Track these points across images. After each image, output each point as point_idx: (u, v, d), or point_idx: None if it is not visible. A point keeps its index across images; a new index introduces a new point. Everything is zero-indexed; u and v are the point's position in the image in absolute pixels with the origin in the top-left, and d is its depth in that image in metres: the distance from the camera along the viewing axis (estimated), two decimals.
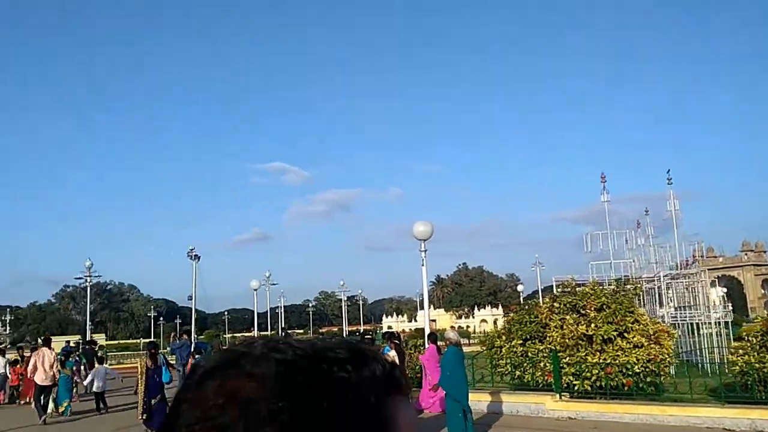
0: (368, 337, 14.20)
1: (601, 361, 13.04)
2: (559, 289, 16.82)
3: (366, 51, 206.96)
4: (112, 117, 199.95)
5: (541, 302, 16.91)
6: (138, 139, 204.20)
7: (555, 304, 14.70)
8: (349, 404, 0.59)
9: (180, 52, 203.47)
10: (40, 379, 15.52)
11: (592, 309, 13.79)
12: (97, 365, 19.26)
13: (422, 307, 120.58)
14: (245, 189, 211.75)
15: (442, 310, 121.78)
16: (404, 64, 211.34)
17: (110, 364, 36.83)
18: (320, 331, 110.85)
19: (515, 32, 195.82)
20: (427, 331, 16.71)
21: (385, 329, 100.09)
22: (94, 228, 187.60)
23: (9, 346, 27.22)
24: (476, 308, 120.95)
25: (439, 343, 13.65)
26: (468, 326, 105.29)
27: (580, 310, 14.10)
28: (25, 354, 21.76)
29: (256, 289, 35.19)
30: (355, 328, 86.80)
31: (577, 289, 15.19)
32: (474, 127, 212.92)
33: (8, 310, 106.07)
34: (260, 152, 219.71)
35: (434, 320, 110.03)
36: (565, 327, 13.86)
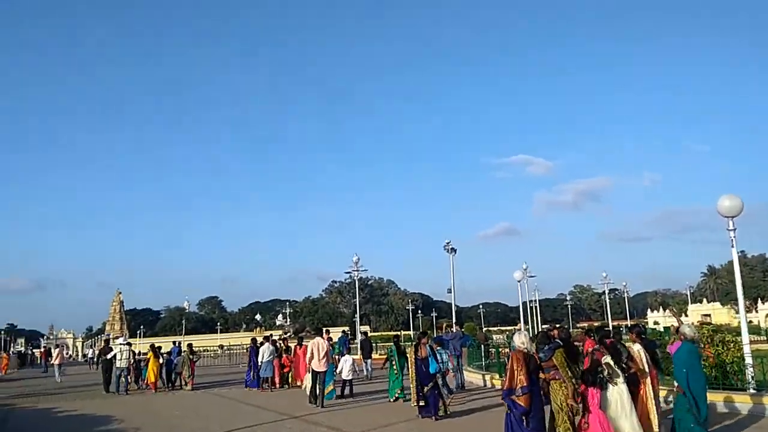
0: (607, 329, 12.22)
1: None
2: None
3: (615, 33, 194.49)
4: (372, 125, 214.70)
5: None
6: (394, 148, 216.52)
7: None
8: None
9: (427, 54, 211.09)
10: (315, 365, 16.49)
11: None
12: (346, 355, 20.16)
13: (696, 301, 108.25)
14: (488, 184, 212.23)
15: (718, 303, 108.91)
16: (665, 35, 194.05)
17: (379, 354, 38.46)
18: (578, 325, 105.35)
19: None
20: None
21: (651, 324, 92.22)
22: (356, 227, 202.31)
23: (292, 336, 29.80)
24: (759, 301, 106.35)
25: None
26: (750, 321, 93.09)
27: None
28: (289, 344, 23.83)
29: (519, 281, 34.02)
30: (617, 323, 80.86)
31: None
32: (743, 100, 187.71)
33: (287, 303, 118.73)
34: (501, 146, 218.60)
35: (708, 315, 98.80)
36: None
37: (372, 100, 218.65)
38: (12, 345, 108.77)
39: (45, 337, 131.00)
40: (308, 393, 17.64)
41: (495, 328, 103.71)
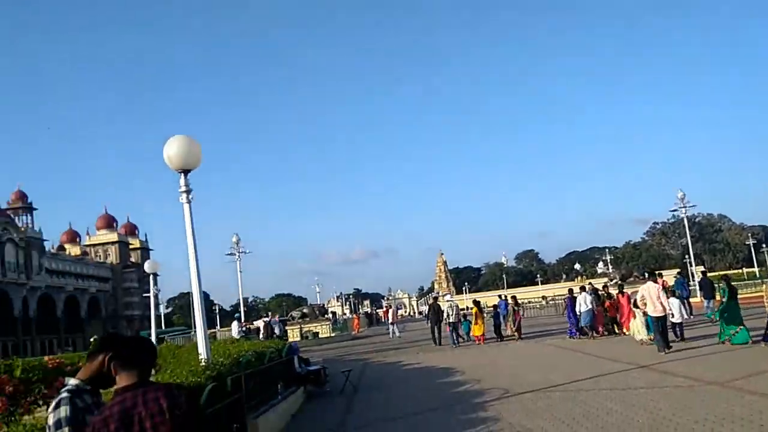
0: None
1: None
2: None
3: None
4: None
5: None
6: None
7: None
8: None
9: None
10: (651, 311, 15.49)
11: None
12: (671, 298, 18.89)
13: None
14: None
15: None
16: None
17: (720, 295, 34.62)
18: None
19: None
20: None
21: None
22: (676, 162, 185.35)
23: (618, 282, 28.59)
24: None
25: None
26: None
27: None
28: (610, 291, 22.97)
29: None
30: None
31: None
32: None
33: (606, 250, 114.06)
34: None
35: None
36: None
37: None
38: (360, 307, 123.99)
39: (385, 298, 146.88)
40: (639, 339, 16.54)
41: None
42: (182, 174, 8.38)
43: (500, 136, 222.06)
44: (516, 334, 23.80)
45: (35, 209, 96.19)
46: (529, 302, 49.13)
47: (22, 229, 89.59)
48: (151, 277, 26.97)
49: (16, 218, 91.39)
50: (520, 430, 8.28)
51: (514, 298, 25.39)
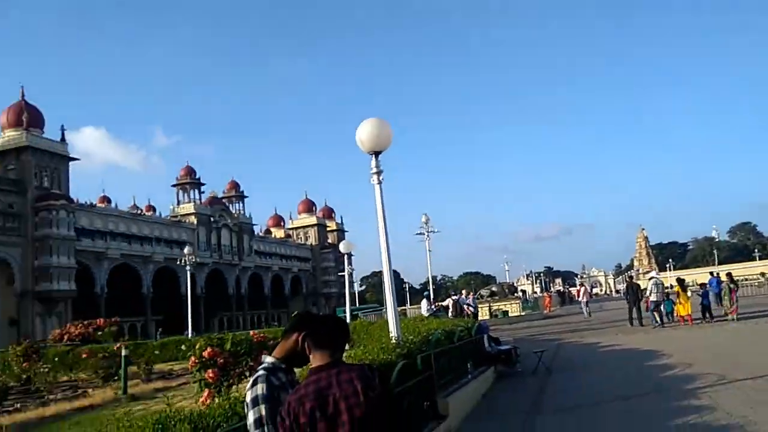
0: None
1: None
2: None
3: None
4: None
5: None
6: None
7: None
8: None
9: None
10: None
11: None
12: None
13: None
14: None
15: None
16: None
17: None
18: None
19: None
20: None
21: None
22: None
23: None
24: None
25: None
26: None
27: None
28: None
29: None
30: None
31: None
32: None
33: None
34: None
35: None
36: None
37: None
38: (551, 285, 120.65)
39: (578, 276, 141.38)
40: None
41: None
42: (373, 156, 8.49)
43: (712, 105, 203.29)
44: (732, 314, 21.56)
45: (246, 197, 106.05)
46: (746, 279, 44.43)
47: (235, 215, 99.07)
48: (345, 257, 28.28)
49: (230, 206, 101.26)
50: (740, 422, 7.36)
51: (729, 275, 22.97)
